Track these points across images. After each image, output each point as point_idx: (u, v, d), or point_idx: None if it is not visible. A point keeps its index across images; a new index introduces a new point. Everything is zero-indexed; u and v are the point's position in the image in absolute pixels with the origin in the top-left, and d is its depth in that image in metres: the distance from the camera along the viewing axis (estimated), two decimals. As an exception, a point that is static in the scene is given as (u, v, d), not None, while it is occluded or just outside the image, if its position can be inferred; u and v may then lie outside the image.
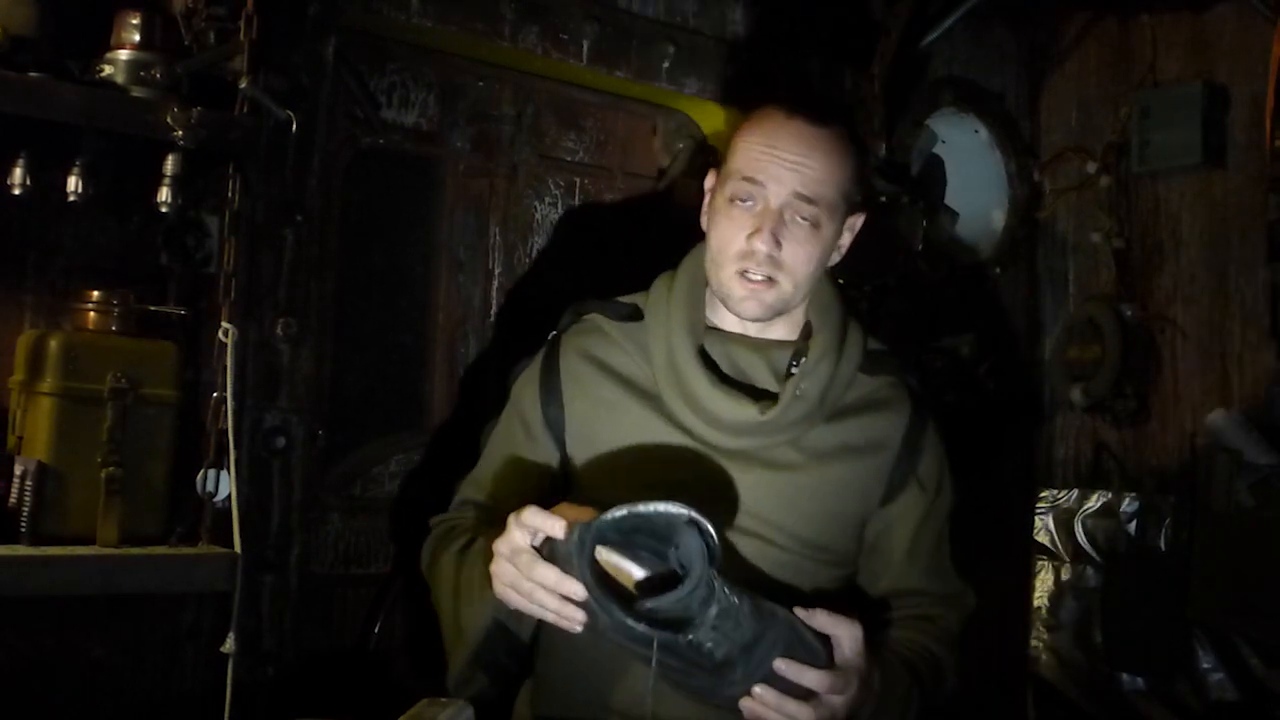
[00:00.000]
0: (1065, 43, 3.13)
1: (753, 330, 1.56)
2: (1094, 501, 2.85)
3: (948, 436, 1.64)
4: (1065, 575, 2.89)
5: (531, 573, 1.26)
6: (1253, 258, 2.69)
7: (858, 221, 1.59)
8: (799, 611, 1.29)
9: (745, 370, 1.54)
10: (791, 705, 1.27)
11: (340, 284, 2.12)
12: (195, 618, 1.93)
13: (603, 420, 1.54)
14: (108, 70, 1.87)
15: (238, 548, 1.87)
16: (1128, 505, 2.76)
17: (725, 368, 1.53)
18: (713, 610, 1.21)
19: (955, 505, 1.63)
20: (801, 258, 1.49)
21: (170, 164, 1.86)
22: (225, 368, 1.89)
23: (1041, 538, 2.92)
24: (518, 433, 1.61)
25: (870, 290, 2.61)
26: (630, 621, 1.19)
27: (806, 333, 1.57)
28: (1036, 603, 2.93)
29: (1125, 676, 2.69)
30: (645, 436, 1.51)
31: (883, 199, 2.59)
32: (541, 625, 1.51)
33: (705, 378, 1.49)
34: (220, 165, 1.94)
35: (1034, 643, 2.92)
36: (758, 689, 1.26)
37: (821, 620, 1.29)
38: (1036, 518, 2.95)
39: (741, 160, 1.50)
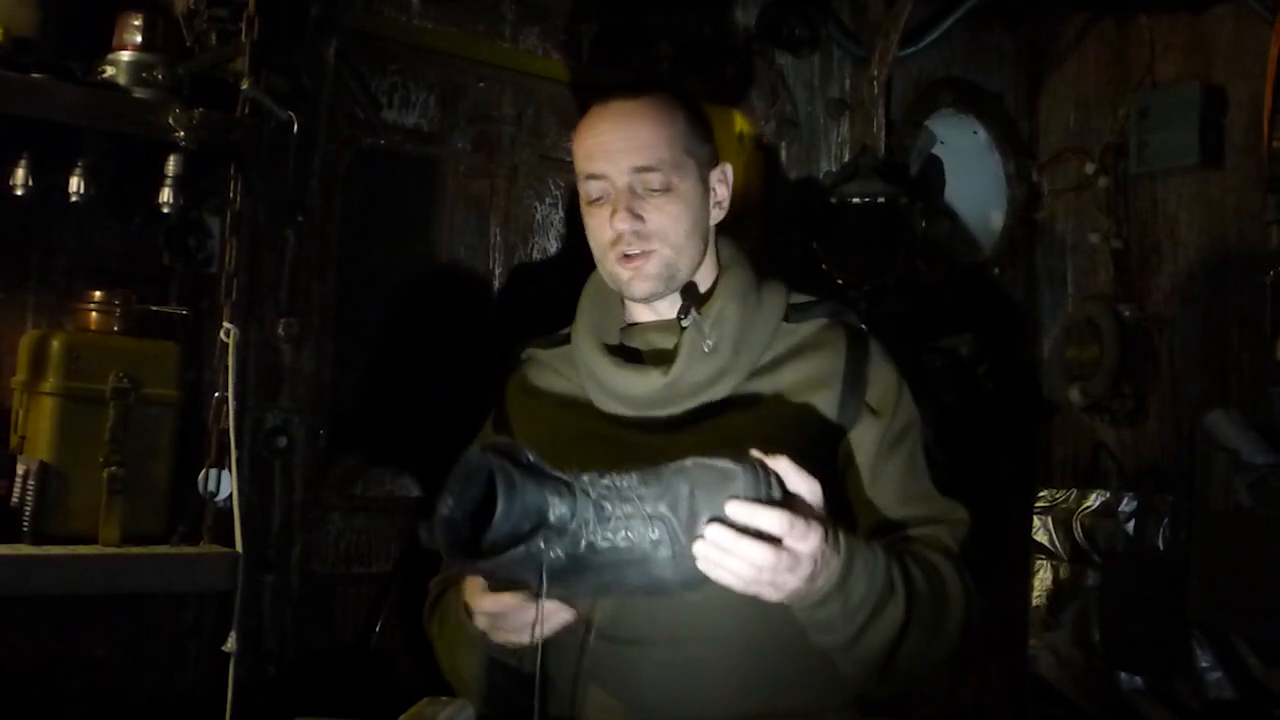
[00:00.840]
0: (1063, 44, 3.14)
1: (665, 312, 1.57)
2: (1092, 501, 2.86)
3: (947, 437, 1.63)
4: (1064, 575, 2.90)
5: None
6: (1250, 258, 2.70)
7: (727, 171, 1.60)
8: (755, 454, 1.20)
9: (661, 348, 1.55)
10: (747, 544, 1.14)
11: (341, 284, 2.13)
12: (197, 617, 1.94)
13: (547, 440, 1.53)
14: (110, 71, 1.87)
15: (239, 547, 1.87)
16: (1126, 505, 2.77)
17: (647, 353, 1.56)
18: (584, 507, 1.15)
19: (921, 426, 1.55)
20: (668, 221, 1.51)
21: (172, 164, 1.87)
22: (227, 368, 1.90)
23: (1040, 537, 2.93)
24: None
25: (870, 290, 2.62)
26: (511, 559, 1.13)
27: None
28: (1035, 602, 2.94)
29: (1124, 675, 2.70)
30: (586, 441, 1.53)
31: (882, 200, 2.60)
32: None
33: (609, 363, 1.53)
34: (222, 166, 1.94)
35: (1032, 642, 2.93)
36: (708, 529, 1.14)
37: (782, 465, 1.20)
38: (1035, 517, 2.96)
39: (581, 163, 1.55)
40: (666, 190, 1.51)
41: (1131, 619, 2.67)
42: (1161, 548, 2.65)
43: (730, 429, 1.45)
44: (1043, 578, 2.93)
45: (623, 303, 1.61)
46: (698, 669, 1.43)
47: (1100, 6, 3.03)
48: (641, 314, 1.59)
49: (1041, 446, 3.10)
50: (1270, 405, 2.54)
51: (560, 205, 2.41)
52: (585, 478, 1.18)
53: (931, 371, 2.75)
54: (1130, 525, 2.74)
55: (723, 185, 1.59)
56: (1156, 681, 2.65)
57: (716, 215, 1.58)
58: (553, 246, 2.40)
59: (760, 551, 1.16)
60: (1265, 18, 2.61)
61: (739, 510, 1.16)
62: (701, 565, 1.17)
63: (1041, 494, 2.99)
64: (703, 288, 1.57)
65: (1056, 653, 2.86)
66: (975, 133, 3.08)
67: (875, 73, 2.72)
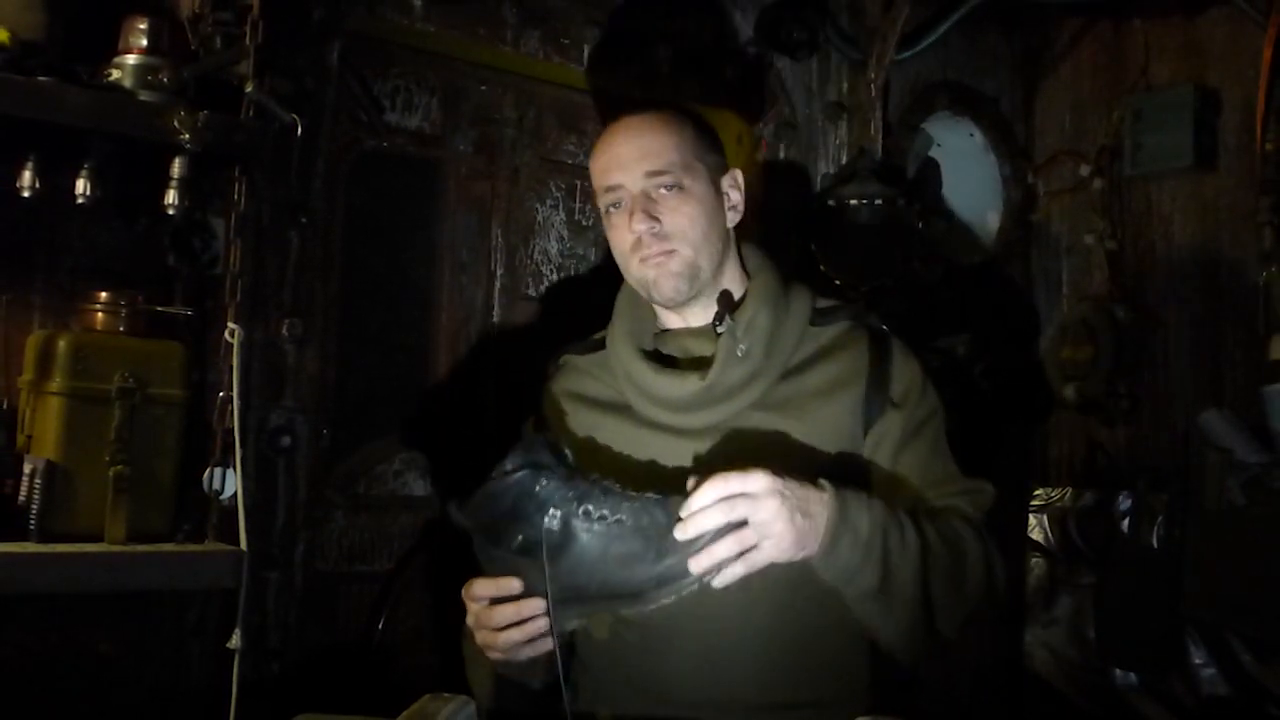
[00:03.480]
0: (1059, 47, 3.16)
1: (695, 320, 1.62)
2: (1087, 499, 2.88)
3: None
4: (1059, 573, 2.92)
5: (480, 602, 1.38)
6: (1243, 259, 2.73)
7: (737, 177, 1.66)
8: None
9: (697, 354, 1.60)
10: (713, 508, 1.29)
11: (344, 285, 2.14)
12: (201, 614, 1.95)
13: (587, 444, 1.60)
14: (115, 74, 1.89)
15: (243, 545, 1.89)
16: (1121, 503, 2.78)
17: (681, 358, 1.61)
18: (586, 487, 1.31)
19: (944, 415, 1.62)
20: (684, 220, 1.56)
21: (177, 167, 1.88)
22: (231, 368, 1.91)
23: (1035, 535, 2.95)
24: None
25: (868, 291, 2.64)
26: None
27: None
28: (1030, 600, 2.96)
29: (1119, 672, 2.72)
30: (624, 445, 1.57)
31: (879, 201, 2.62)
32: (578, 638, 1.53)
33: (648, 368, 1.57)
34: (226, 168, 1.96)
35: (1028, 639, 2.95)
36: (683, 516, 1.29)
37: (715, 479, 1.32)
38: (1031, 515, 2.98)
39: (598, 179, 1.61)
40: (680, 190, 1.56)
41: (1126, 616, 2.69)
42: (1156, 546, 2.66)
43: (763, 432, 1.52)
44: (1038, 575, 2.95)
45: (654, 311, 1.65)
46: (722, 662, 1.47)
47: (1095, 10, 3.04)
48: (673, 321, 1.64)
49: (1037, 445, 3.12)
50: (1263, 404, 2.56)
51: (561, 207, 2.43)
52: (594, 475, 1.31)
53: (928, 371, 2.77)
54: (1125, 524, 2.75)
55: (735, 190, 1.64)
56: (1151, 678, 2.67)
57: (733, 218, 1.64)
58: (553, 248, 2.42)
59: (721, 511, 1.29)
60: (1258, 21, 2.63)
61: (691, 501, 1.30)
62: (693, 532, 1.29)
63: (1037, 492, 3.01)
64: (735, 294, 1.62)
65: (1052, 650, 2.88)
66: (971, 135, 3.10)
67: (872, 76, 2.74)
